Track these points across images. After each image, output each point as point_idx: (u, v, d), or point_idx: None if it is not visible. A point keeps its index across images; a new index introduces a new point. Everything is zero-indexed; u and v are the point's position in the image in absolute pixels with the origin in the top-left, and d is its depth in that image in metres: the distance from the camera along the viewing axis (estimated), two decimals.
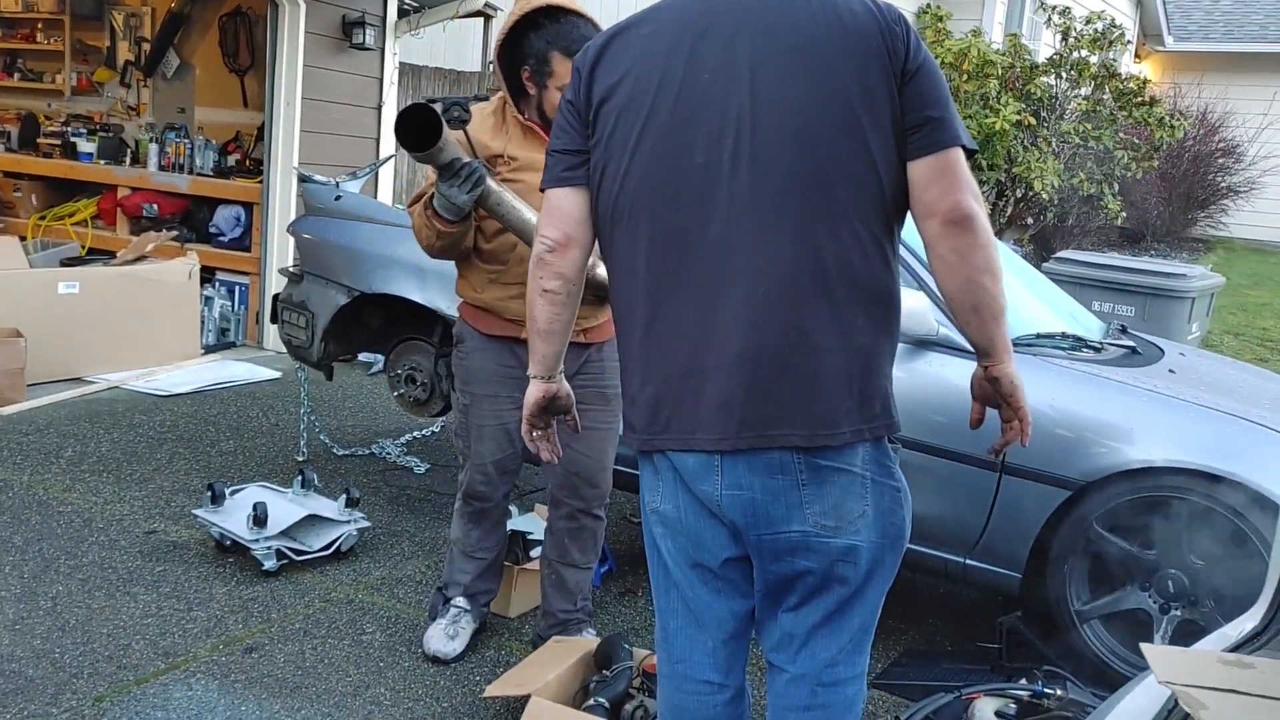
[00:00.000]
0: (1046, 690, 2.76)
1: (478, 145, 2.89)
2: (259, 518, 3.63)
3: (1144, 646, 1.85)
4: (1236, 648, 2.01)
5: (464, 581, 3.22)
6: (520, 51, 2.84)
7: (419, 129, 2.62)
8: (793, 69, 1.77)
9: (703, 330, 1.83)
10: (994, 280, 1.82)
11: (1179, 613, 3.17)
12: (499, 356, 3.01)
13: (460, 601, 3.22)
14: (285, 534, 3.70)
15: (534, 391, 2.14)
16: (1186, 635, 3.07)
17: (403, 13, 7.31)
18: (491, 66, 2.86)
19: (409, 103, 2.73)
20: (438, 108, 2.66)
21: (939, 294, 2.01)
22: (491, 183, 2.77)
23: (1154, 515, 3.15)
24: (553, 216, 1.97)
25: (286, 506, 3.81)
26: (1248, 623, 2.11)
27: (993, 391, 1.94)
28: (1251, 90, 13.93)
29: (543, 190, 2.00)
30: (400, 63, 7.52)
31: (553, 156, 1.97)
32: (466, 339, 3.08)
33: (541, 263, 1.98)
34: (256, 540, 3.63)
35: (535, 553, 3.65)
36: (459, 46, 10.20)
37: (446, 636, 3.18)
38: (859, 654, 1.98)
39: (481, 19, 8.87)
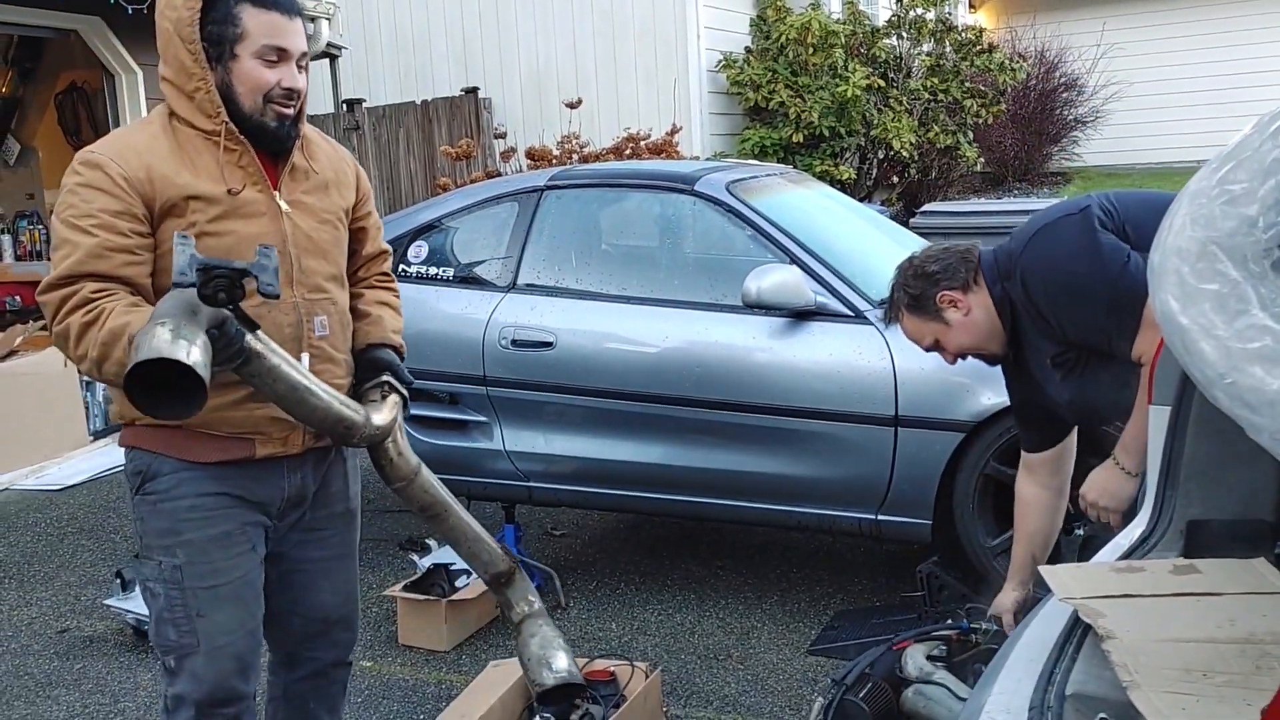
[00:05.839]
0: (972, 626, 2.86)
1: (159, 183, 1.98)
2: None
3: (1042, 569, 1.94)
4: (1129, 554, 2.13)
5: None
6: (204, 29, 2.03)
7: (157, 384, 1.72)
8: None
9: None
10: None
11: (1080, 531, 3.31)
12: (219, 484, 2.08)
13: None
14: None
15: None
16: (1092, 550, 3.21)
17: None
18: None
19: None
20: (195, 277, 1.71)
21: None
22: (258, 346, 1.88)
23: None
24: None
25: None
26: (1137, 529, 2.24)
27: None
28: (1082, 24, 14.45)
29: None
30: None
31: None
32: (161, 473, 2.06)
33: None
34: None
35: (461, 582, 3.64)
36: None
37: None
38: None
39: (327, 60, 8.77)
